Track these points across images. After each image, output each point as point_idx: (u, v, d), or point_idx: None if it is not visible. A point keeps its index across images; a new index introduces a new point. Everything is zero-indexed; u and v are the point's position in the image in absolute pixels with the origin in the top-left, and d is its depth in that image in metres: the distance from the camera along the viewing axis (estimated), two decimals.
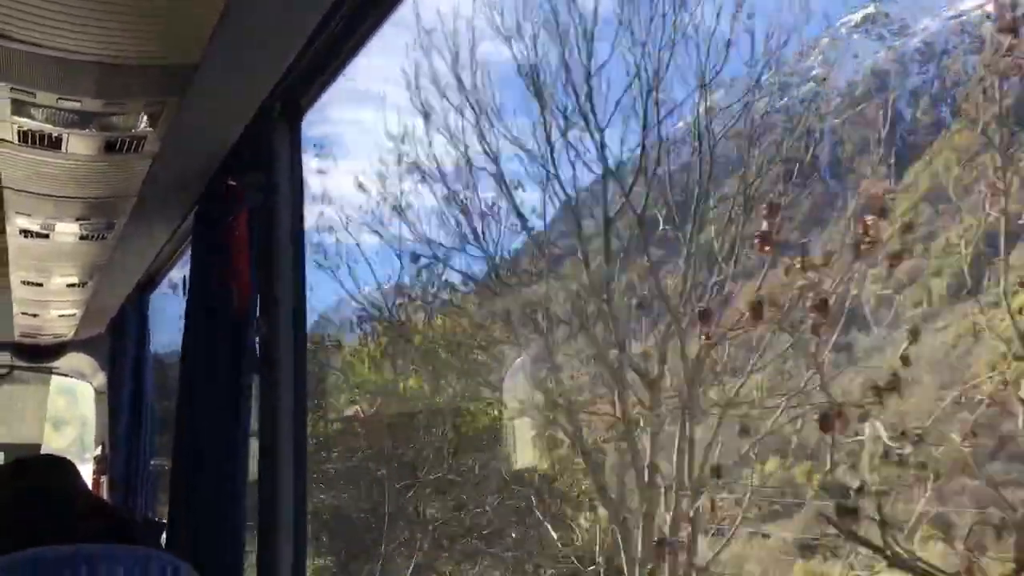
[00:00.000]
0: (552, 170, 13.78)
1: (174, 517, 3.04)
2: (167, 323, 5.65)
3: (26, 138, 2.38)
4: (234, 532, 2.72)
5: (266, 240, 2.50)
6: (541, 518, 14.25)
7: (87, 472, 5.79)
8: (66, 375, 6.64)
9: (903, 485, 7.17)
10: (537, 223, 15.52)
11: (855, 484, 6.33)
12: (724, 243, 13.71)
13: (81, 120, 2.24)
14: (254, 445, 2.72)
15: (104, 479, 5.80)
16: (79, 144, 2.40)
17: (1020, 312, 6.89)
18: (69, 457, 2.68)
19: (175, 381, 3.22)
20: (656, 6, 12.39)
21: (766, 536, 18.61)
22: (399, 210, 15.23)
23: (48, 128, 2.30)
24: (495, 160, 13.80)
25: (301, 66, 2.18)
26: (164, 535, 3.07)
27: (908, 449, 6.41)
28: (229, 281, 2.72)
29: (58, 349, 6.05)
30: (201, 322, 2.95)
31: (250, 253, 2.63)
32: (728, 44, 12.61)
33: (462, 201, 14.27)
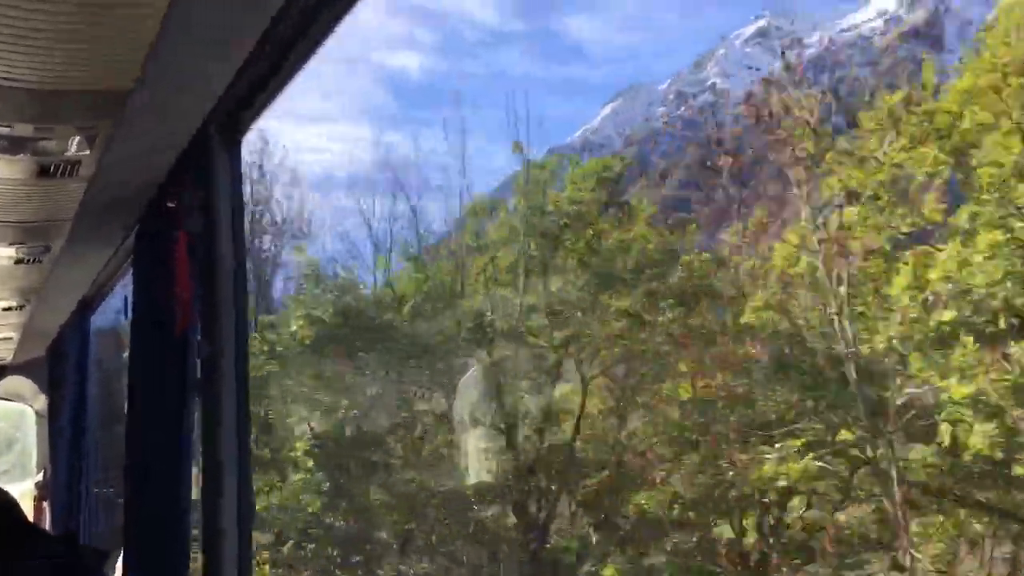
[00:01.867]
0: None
1: (128, 535, 3.02)
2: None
3: None
4: (181, 549, 2.72)
5: (207, 261, 2.49)
6: None
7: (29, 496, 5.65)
8: (6, 399, 6.47)
9: None
10: None
11: None
12: None
13: (12, 145, 2.22)
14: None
15: (46, 504, 5.67)
16: (11, 168, 2.38)
17: None
18: (9, 482, 2.65)
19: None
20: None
21: None
22: None
23: None
24: None
25: (239, 90, 2.19)
26: (119, 558, 3.06)
27: None
28: (171, 302, 2.71)
29: None
30: (145, 343, 2.93)
31: (191, 274, 2.63)
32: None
33: None
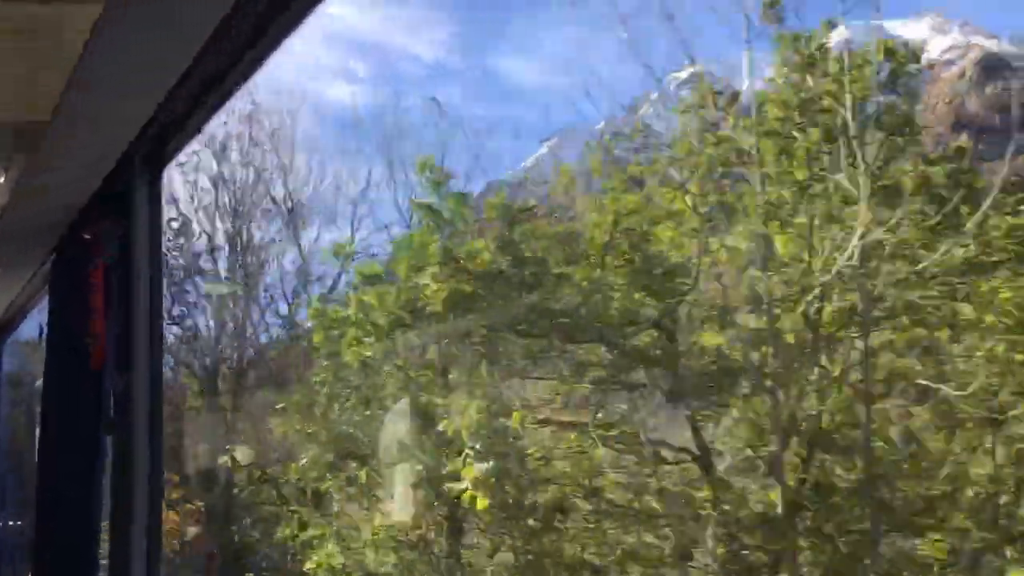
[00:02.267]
0: None
1: (36, 569, 2.92)
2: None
3: None
4: None
5: (123, 293, 2.45)
6: None
7: None
8: None
9: None
10: None
11: None
12: None
13: None
14: None
15: None
16: None
17: None
18: None
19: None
20: None
21: None
22: None
23: None
24: None
25: (160, 121, 2.18)
26: None
27: None
28: (86, 332, 2.66)
29: None
30: (58, 376, 2.86)
31: (107, 304, 2.58)
32: None
33: None
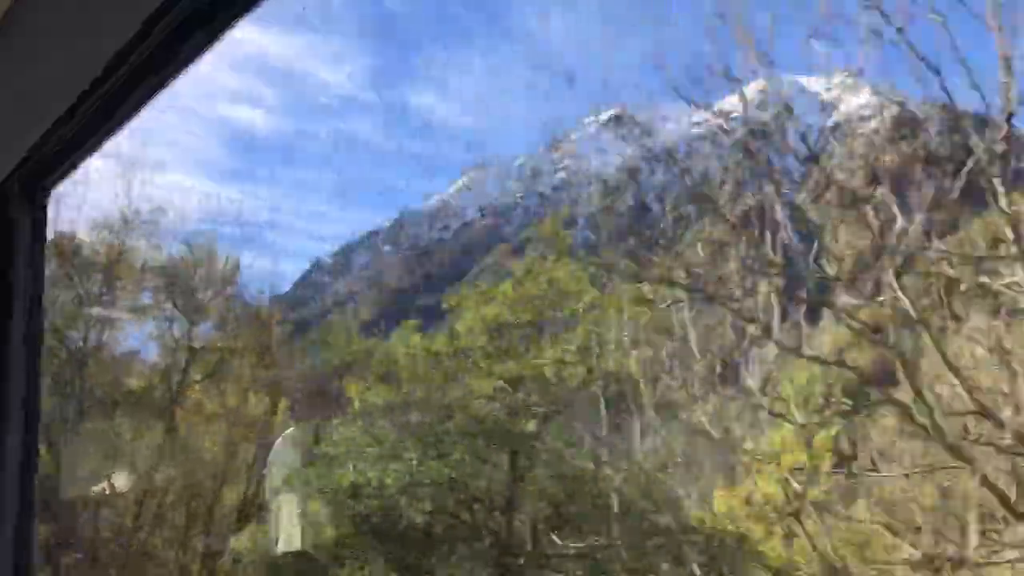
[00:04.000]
0: None
1: None
2: None
3: None
4: None
5: (0, 327, 2.30)
6: None
7: None
8: None
9: None
10: None
11: None
12: None
13: None
14: None
15: None
16: None
17: None
18: None
19: None
20: None
21: None
22: None
23: None
24: None
25: (47, 149, 2.07)
26: None
27: None
28: None
29: None
30: None
31: None
32: None
33: None
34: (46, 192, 2.26)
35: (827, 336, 21.01)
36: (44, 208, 2.28)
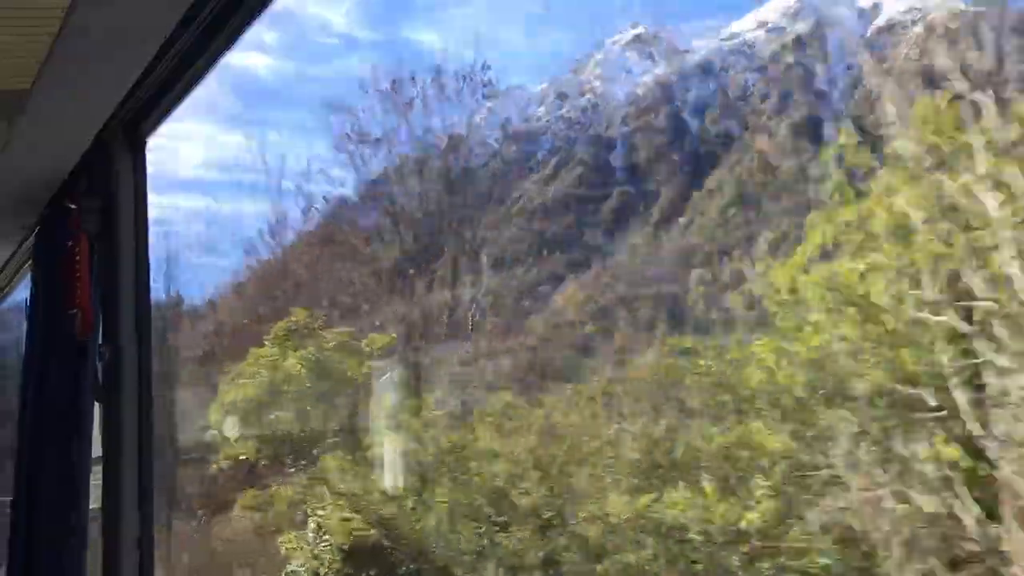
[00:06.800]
0: None
1: (15, 551, 2.92)
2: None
3: None
4: (77, 564, 2.66)
5: (108, 264, 2.46)
6: None
7: None
8: None
9: None
10: None
11: None
12: None
13: None
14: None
15: None
16: None
17: None
18: None
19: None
20: None
21: None
22: None
23: None
24: None
25: (142, 91, 2.18)
26: None
27: None
28: (70, 306, 2.66)
29: None
30: (41, 348, 2.86)
31: (91, 277, 2.59)
32: None
33: None
34: (144, 136, 2.39)
35: None
36: (143, 151, 2.42)
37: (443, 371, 13.97)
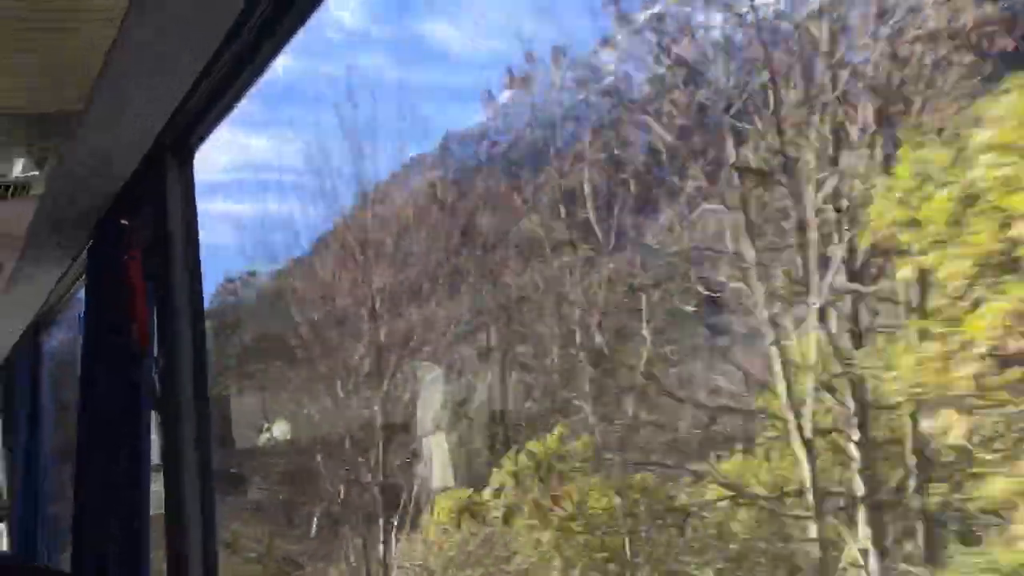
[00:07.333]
0: None
1: (78, 558, 3.00)
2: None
3: None
4: (139, 569, 2.72)
5: (162, 277, 2.52)
6: None
7: None
8: None
9: None
10: None
11: None
12: None
13: None
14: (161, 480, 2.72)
15: (3, 526, 5.59)
16: None
17: None
18: None
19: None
20: None
21: None
22: None
23: None
24: None
25: (188, 108, 2.23)
26: None
27: None
28: (125, 318, 2.73)
29: None
30: (97, 361, 2.94)
31: (146, 290, 2.65)
32: None
33: None
34: (192, 150, 2.44)
35: None
36: (191, 165, 2.47)
37: None
